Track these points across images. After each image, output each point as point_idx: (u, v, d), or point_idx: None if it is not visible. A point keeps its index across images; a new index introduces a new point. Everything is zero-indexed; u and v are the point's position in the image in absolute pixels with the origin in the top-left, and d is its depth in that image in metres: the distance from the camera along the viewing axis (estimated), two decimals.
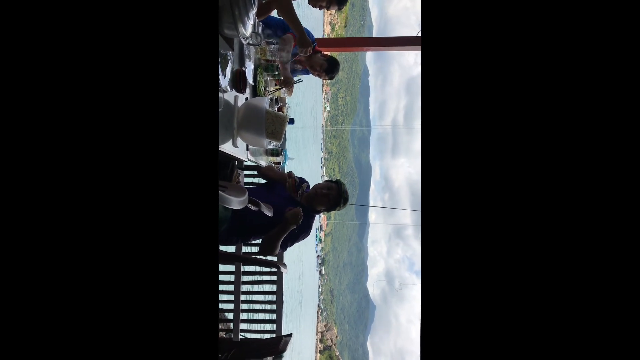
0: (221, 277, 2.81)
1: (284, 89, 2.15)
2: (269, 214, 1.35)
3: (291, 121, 2.44)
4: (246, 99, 1.47)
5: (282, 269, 1.65)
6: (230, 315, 2.61)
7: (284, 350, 1.86)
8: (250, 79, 1.47)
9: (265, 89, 1.84)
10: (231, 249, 2.43)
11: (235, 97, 1.30)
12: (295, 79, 2.24)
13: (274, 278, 2.62)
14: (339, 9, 2.16)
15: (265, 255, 1.57)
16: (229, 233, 1.58)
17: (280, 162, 2.24)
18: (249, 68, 1.45)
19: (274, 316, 2.58)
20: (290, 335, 2.06)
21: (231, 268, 2.62)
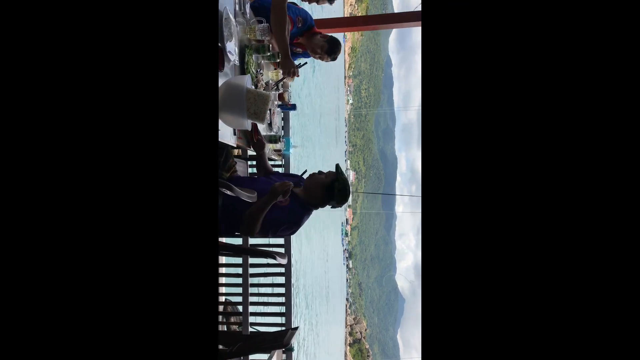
0: (228, 270, 2.78)
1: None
2: (248, 200, 1.27)
3: (293, 107, 2.34)
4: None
5: (279, 259, 1.57)
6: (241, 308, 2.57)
7: (287, 343, 1.80)
8: (233, 58, 1.39)
9: (258, 71, 1.76)
10: (234, 241, 2.38)
11: None
12: (298, 63, 2.14)
13: (282, 270, 2.55)
14: (330, 3, 2.08)
15: (245, 234, 1.47)
16: (219, 222, 1.52)
17: (281, 150, 2.15)
18: (230, 47, 1.36)
19: (283, 309, 2.52)
20: (296, 328, 2.00)
21: (238, 260, 2.57)
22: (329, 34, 2.19)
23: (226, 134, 1.33)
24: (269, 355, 2.07)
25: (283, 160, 2.41)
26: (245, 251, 1.88)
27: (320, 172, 1.70)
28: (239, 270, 2.54)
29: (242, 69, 1.55)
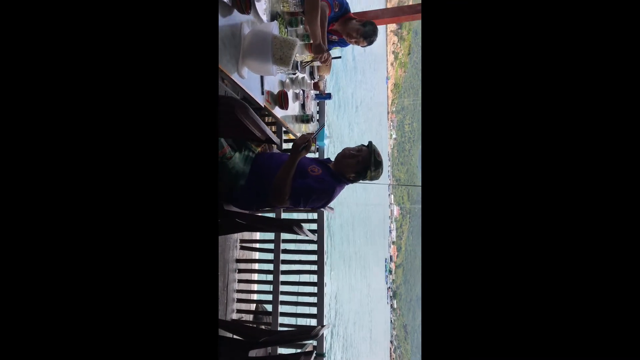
0: (259, 266, 2.68)
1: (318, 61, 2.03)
2: (273, 138, 1.21)
3: (328, 96, 2.31)
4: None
5: (299, 231, 1.45)
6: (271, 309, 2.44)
7: (316, 335, 1.64)
8: (263, 15, 1.38)
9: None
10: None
11: (241, 24, 1.21)
12: (330, 52, 2.12)
13: (315, 268, 2.42)
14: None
15: (276, 201, 1.39)
16: (246, 191, 1.45)
17: (313, 133, 2.10)
18: (260, 6, 1.35)
19: (315, 310, 2.36)
20: (325, 325, 1.83)
21: (270, 256, 2.48)
22: (364, 20, 2.16)
23: (254, 88, 1.30)
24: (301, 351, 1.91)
25: (317, 152, 2.35)
26: (261, 221, 1.78)
27: (352, 155, 1.58)
28: (270, 267, 2.44)
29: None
